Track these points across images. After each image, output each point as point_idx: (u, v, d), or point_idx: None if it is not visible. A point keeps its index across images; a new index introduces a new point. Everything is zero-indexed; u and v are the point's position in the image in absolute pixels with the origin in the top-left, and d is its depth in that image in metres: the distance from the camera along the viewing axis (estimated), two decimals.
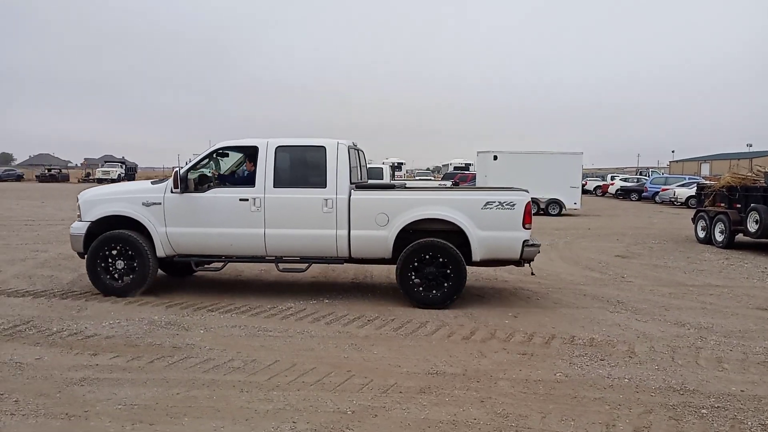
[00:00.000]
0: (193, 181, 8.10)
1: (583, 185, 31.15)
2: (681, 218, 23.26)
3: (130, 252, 8.08)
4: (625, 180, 45.65)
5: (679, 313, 7.88)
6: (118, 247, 8.09)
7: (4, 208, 23.94)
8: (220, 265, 8.46)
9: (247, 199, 7.91)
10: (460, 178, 32.78)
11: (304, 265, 8.21)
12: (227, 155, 8.79)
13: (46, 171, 65.98)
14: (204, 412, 4.44)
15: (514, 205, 7.64)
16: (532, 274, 9.06)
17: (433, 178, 47.50)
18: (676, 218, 23.97)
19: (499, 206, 7.63)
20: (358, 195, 7.90)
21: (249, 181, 8.11)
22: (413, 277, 7.76)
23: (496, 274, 10.42)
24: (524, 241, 7.66)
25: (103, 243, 8.08)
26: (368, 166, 29.53)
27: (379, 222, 7.79)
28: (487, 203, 7.64)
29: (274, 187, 7.91)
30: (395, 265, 7.85)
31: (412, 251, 7.70)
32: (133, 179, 59.66)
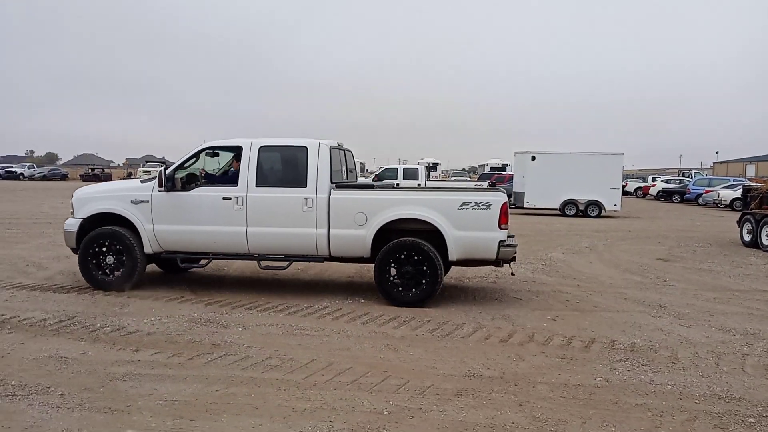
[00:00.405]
0: (180, 180, 8.28)
1: (624, 186, 30.51)
2: (725, 221, 22.60)
3: (119, 248, 8.36)
4: (666, 181, 44.65)
5: (724, 318, 7.65)
6: (107, 244, 8.37)
7: (50, 206, 24.68)
8: (204, 261, 8.66)
9: (230, 198, 8.09)
10: (497, 178, 32.48)
11: (285, 263, 8.36)
12: (218, 155, 8.96)
13: (90, 170, 67.79)
14: (242, 410, 4.49)
15: (490, 205, 7.65)
16: (512, 274, 9.13)
17: (469, 179, 47.27)
18: (721, 221, 23.31)
19: (476, 206, 7.66)
20: (338, 194, 8.00)
21: (232, 180, 8.26)
22: (390, 276, 7.84)
23: (533, 277, 10.30)
24: (500, 242, 7.67)
25: (93, 239, 8.39)
26: (404, 166, 29.44)
27: (357, 221, 7.89)
28: (464, 203, 7.68)
29: (256, 186, 8.07)
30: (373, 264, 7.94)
31: (389, 250, 7.79)
32: None
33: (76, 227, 8.56)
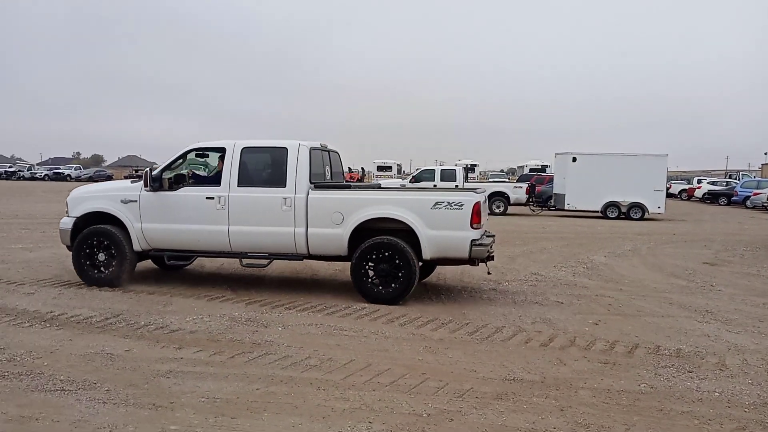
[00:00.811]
0: (168, 180, 8.51)
1: (668, 189, 29.78)
2: None
3: (110, 246, 8.67)
4: (713, 183, 43.42)
5: None
6: (99, 242, 8.70)
7: None
8: (185, 259, 9.03)
9: (212, 198, 8.32)
10: (537, 180, 32.05)
11: (265, 261, 8.57)
12: (208, 156, 9.19)
13: (134, 171, 69.50)
14: (282, 408, 4.53)
15: (462, 205, 7.71)
16: (489, 273, 9.13)
17: (507, 180, 46.77)
18: None
19: (448, 206, 7.74)
20: (316, 194, 8.15)
21: (216, 180, 8.51)
22: (366, 274, 7.97)
23: (575, 280, 10.12)
24: (472, 240, 7.70)
25: (86, 237, 8.72)
26: (442, 167, 29.28)
27: (334, 220, 8.04)
28: (437, 203, 7.77)
29: (238, 186, 8.28)
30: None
31: (365, 249, 7.91)
32: None
33: (70, 226, 8.90)
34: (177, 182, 8.58)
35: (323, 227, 8.07)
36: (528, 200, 26.57)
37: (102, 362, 5.50)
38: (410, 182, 27.03)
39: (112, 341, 6.14)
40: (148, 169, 8.62)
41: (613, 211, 24.21)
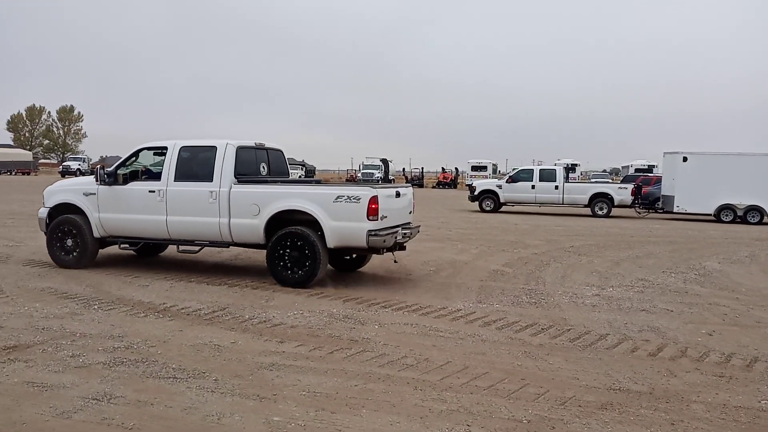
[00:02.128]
0: (122, 175, 9.64)
1: None
2: None
3: (75, 232, 9.84)
4: None
5: None
6: (66, 229, 9.89)
7: None
8: (136, 245, 10.07)
9: (154, 191, 9.35)
10: (643, 181, 30.46)
11: (196, 248, 9.59)
12: (162, 154, 9.89)
13: None
14: (380, 406, 4.56)
15: (359, 199, 8.42)
16: (395, 262, 10.05)
17: (611, 181, 44.90)
18: None
19: (348, 200, 8.47)
20: (237, 188, 9.03)
21: (159, 175, 9.49)
22: (280, 259, 8.73)
23: (685, 287, 9.54)
24: (368, 231, 8.35)
25: (56, 225, 9.97)
26: (540, 167, 28.45)
27: (252, 212, 8.87)
28: (338, 197, 8.52)
29: (174, 180, 9.29)
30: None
31: (278, 238, 8.72)
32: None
33: (45, 215, 10.18)
34: (132, 177, 9.68)
35: (243, 218, 8.94)
36: (633, 202, 25.29)
37: (210, 353, 5.78)
38: (506, 182, 26.52)
39: (219, 333, 6.44)
40: (99, 166, 9.86)
41: (728, 214, 22.64)
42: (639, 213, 26.01)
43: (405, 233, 9.11)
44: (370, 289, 8.87)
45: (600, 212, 24.70)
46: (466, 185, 39.52)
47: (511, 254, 12.67)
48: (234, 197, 8.97)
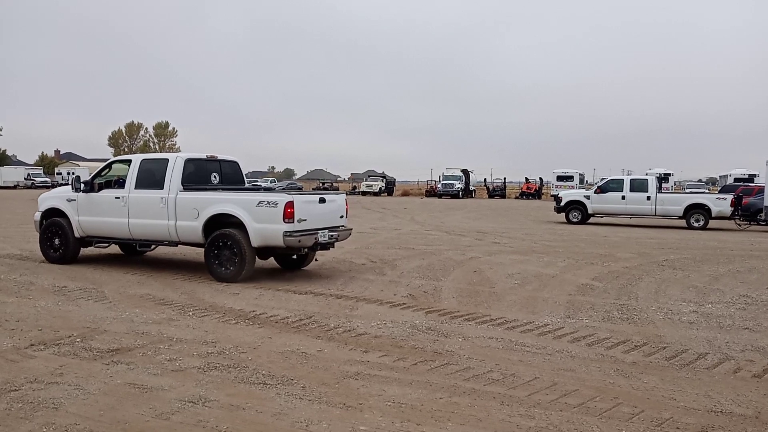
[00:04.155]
0: (98, 184, 11.31)
1: None
2: None
3: (60, 233, 11.60)
4: None
5: None
6: (54, 230, 11.67)
7: None
8: (106, 245, 11.82)
9: (119, 197, 10.91)
10: (743, 191, 28.62)
11: (152, 245, 11.25)
12: (128, 165, 11.24)
13: (321, 184, 74.38)
14: (466, 420, 4.50)
15: (276, 204, 9.52)
16: (316, 260, 11.55)
17: (707, 191, 42.53)
18: None
19: (267, 205, 9.58)
20: (182, 195, 10.35)
21: (124, 184, 11.04)
22: (214, 258, 9.98)
23: None
24: (284, 232, 9.44)
25: (47, 226, 11.78)
26: (631, 177, 27.29)
27: (193, 215, 10.15)
28: (260, 202, 9.68)
29: (135, 188, 10.81)
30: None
31: (213, 238, 9.98)
32: (392, 193, 64.26)
33: (39, 218, 12.01)
34: (107, 185, 11.30)
35: (186, 220, 10.22)
36: (733, 213, 23.77)
37: (297, 360, 5.91)
38: (595, 192, 25.65)
39: (306, 341, 6.57)
40: (75, 175, 12.40)
41: None
42: (739, 225, 24.42)
43: (332, 235, 10.33)
44: (452, 301, 8.80)
45: (696, 224, 23.41)
46: (552, 196, 38.53)
47: (600, 268, 12.22)
48: (179, 202, 10.32)
